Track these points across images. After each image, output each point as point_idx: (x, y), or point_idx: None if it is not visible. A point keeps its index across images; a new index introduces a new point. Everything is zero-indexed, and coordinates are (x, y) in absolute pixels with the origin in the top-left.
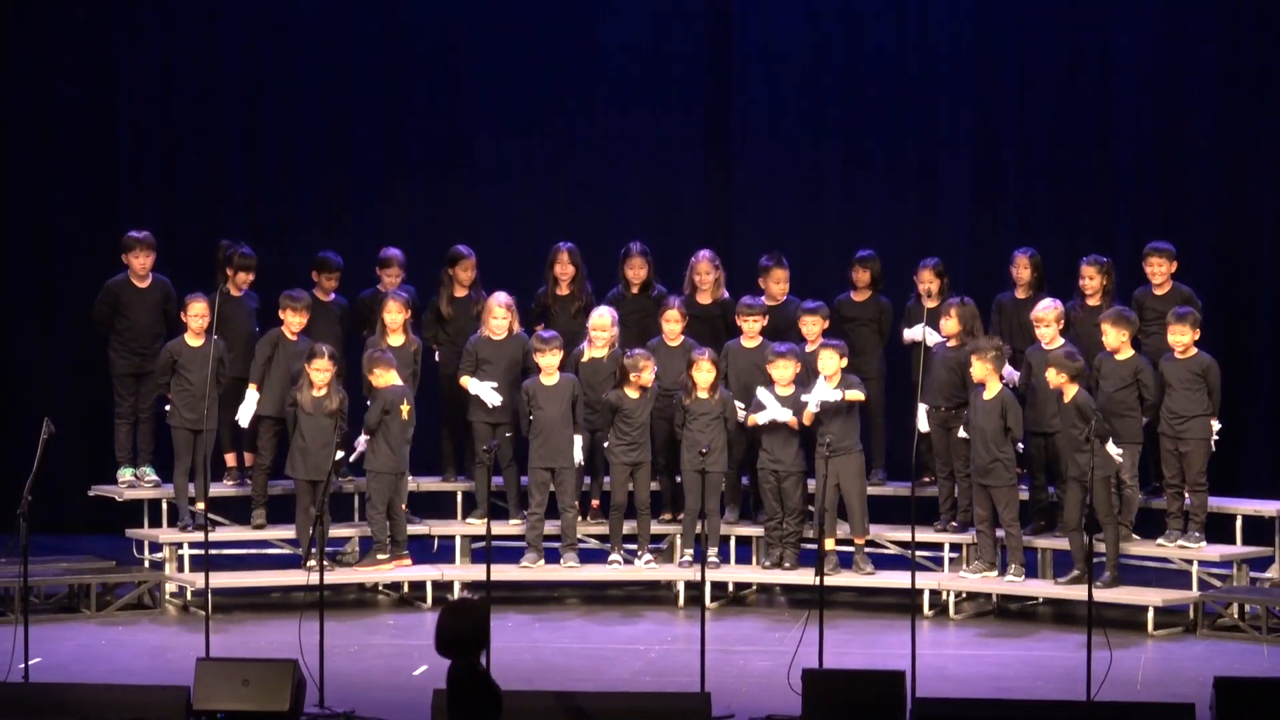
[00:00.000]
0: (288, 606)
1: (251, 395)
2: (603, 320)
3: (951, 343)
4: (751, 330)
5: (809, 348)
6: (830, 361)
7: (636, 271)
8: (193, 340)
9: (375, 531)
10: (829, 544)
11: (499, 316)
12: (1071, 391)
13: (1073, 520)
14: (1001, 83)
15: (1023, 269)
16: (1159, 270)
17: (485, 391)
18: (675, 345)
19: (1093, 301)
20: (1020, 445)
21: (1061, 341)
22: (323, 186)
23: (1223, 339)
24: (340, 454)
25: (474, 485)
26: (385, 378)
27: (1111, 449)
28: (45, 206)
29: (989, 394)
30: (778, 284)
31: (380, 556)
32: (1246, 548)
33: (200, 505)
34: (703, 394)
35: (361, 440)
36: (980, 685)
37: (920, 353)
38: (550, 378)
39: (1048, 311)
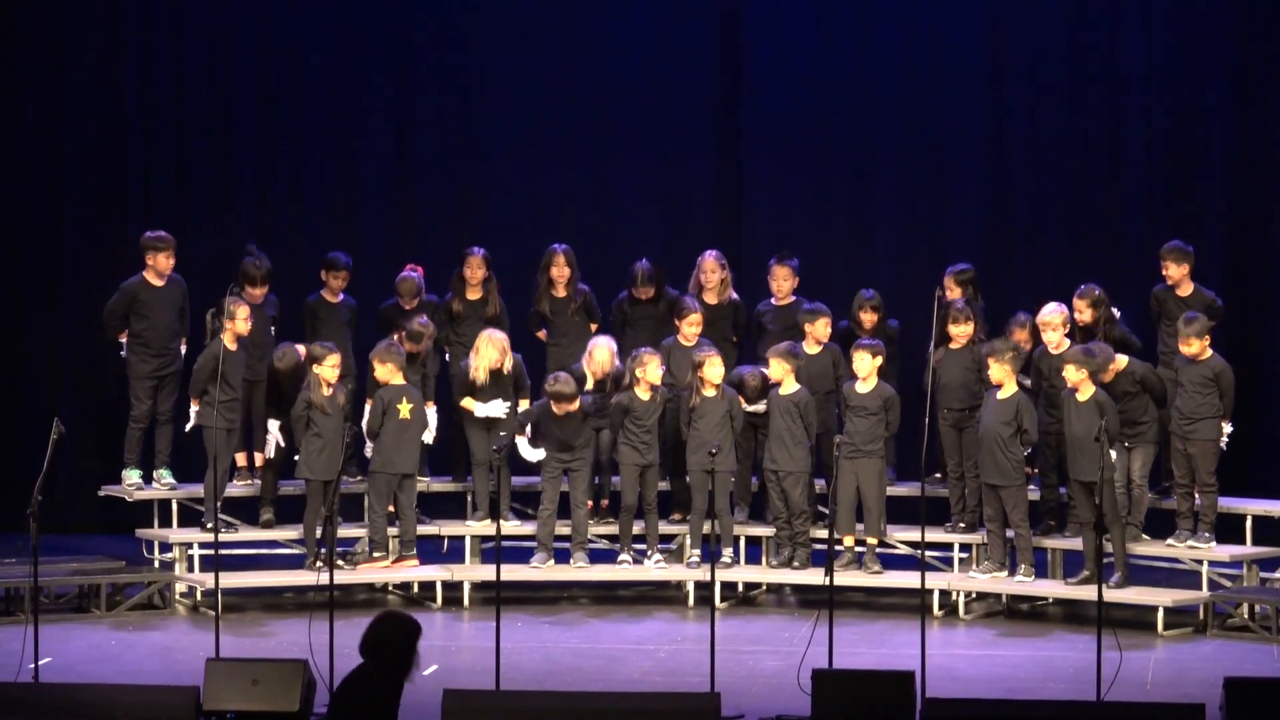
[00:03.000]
0: (298, 606)
1: (274, 426)
2: (602, 355)
3: (957, 345)
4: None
5: (808, 347)
6: (864, 363)
7: (644, 290)
8: (232, 345)
9: (371, 530)
10: (847, 540)
11: (492, 358)
12: (1089, 390)
13: (1086, 519)
14: (1011, 88)
15: (1081, 312)
16: (1174, 274)
17: (493, 409)
18: (690, 346)
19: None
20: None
21: (1068, 343)
22: (333, 189)
23: (1234, 340)
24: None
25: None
26: (383, 372)
27: (1111, 453)
28: (56, 209)
29: (1003, 395)
30: (775, 281)
31: (376, 555)
32: (1257, 548)
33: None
34: (709, 393)
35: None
36: (990, 685)
37: (931, 354)
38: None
39: (1054, 316)
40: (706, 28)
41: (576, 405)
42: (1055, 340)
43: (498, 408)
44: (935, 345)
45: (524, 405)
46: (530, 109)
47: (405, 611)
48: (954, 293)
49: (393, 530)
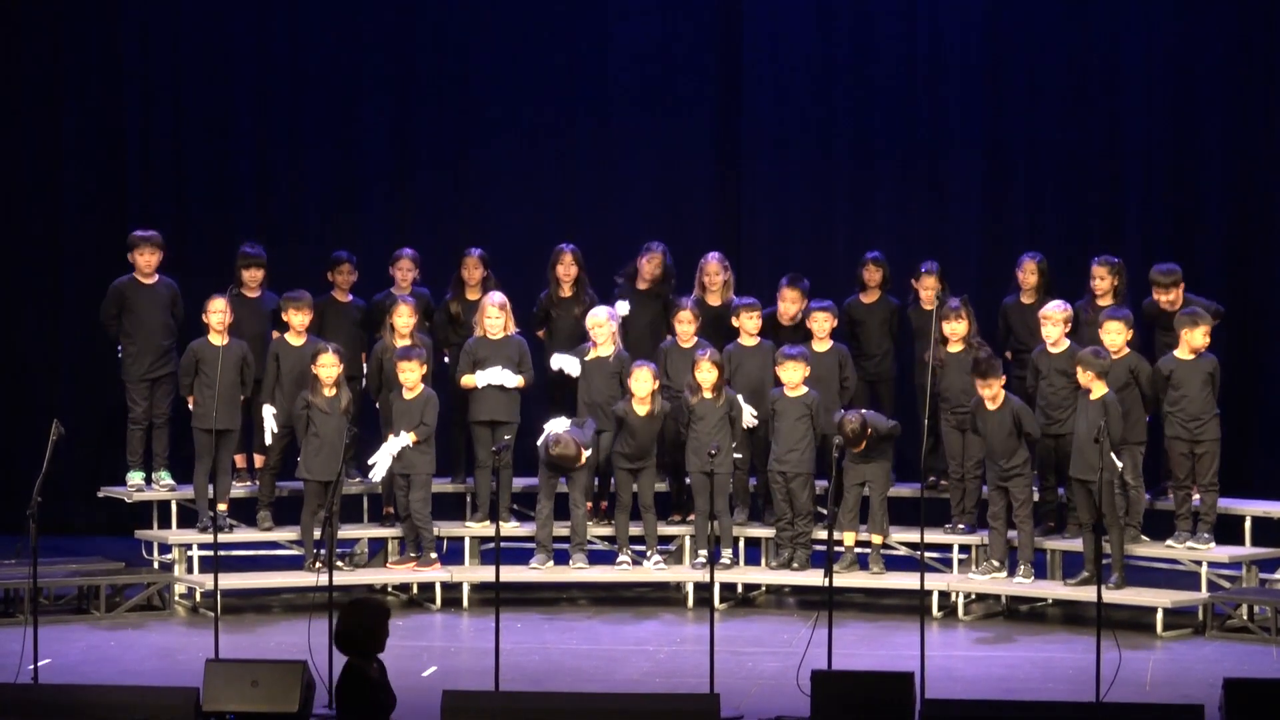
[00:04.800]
0: (297, 607)
1: (268, 411)
2: (598, 318)
3: (956, 347)
4: (751, 329)
5: (816, 345)
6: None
7: (653, 268)
8: (215, 339)
9: (428, 534)
10: (849, 539)
11: (493, 316)
12: (1100, 390)
13: (1085, 520)
14: (1010, 87)
15: (1029, 274)
16: (1162, 297)
17: (495, 376)
18: (688, 347)
19: (1103, 302)
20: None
21: (1067, 343)
22: (332, 186)
23: (1233, 341)
24: (381, 461)
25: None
26: (420, 373)
27: (1113, 456)
28: (55, 208)
29: (996, 406)
30: (784, 303)
31: (433, 556)
32: (1256, 549)
33: (222, 506)
34: (707, 394)
35: (406, 440)
36: (989, 686)
37: (930, 354)
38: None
39: (1056, 311)
40: (706, 28)
41: (582, 462)
42: (1054, 336)
43: (498, 375)
44: (933, 346)
45: (516, 380)
46: (530, 109)
47: (368, 596)
48: (929, 289)
49: (394, 531)
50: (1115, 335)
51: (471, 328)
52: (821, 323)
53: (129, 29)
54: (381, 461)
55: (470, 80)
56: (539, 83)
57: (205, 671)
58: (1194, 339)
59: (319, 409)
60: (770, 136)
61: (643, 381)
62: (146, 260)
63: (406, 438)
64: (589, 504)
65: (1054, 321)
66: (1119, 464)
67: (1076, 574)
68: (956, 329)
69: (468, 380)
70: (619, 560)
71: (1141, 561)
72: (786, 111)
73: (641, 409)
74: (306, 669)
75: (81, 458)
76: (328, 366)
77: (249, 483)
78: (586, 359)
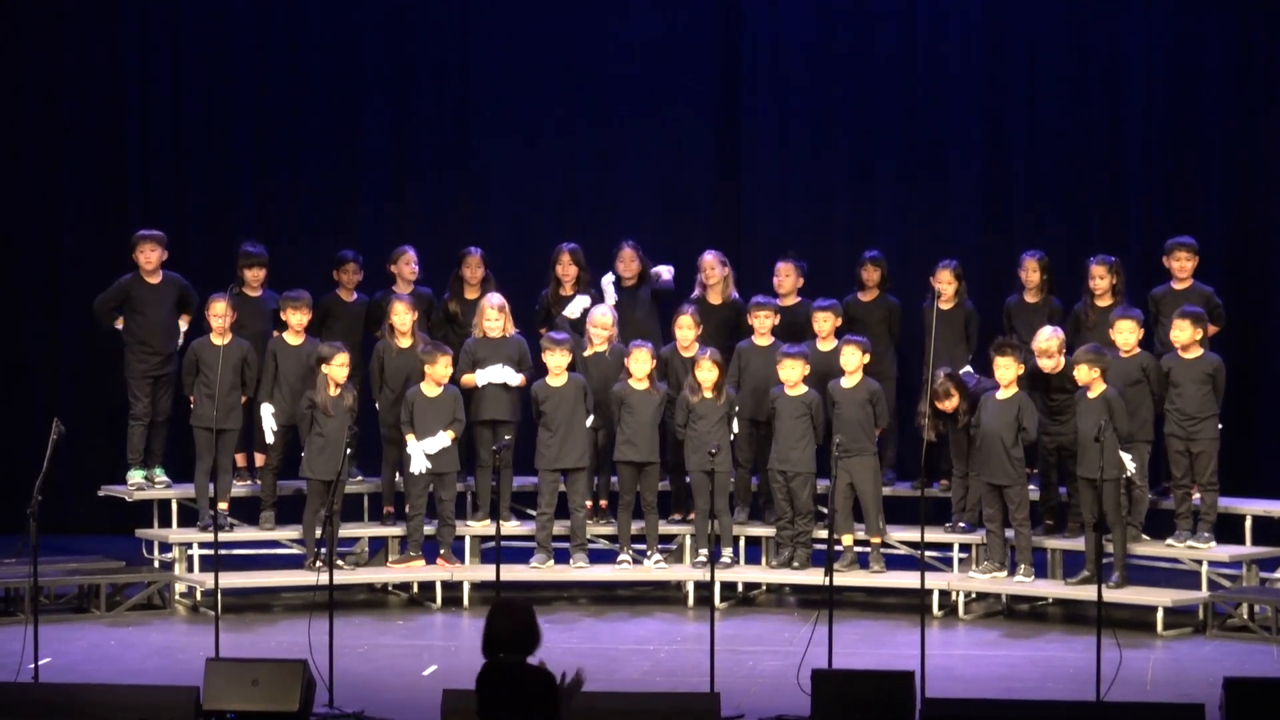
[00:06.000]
0: (297, 607)
1: (266, 410)
2: (604, 319)
3: (947, 404)
4: (763, 328)
5: (820, 344)
6: (853, 358)
7: (627, 265)
8: (216, 340)
9: (448, 533)
10: (847, 540)
11: (492, 318)
12: (1100, 388)
13: (1088, 519)
14: (1011, 85)
15: (1031, 272)
16: (1186, 265)
17: (495, 374)
18: (690, 355)
19: (1102, 302)
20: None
21: (1064, 360)
22: (332, 187)
23: (1233, 339)
24: (418, 458)
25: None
26: (450, 368)
27: (1123, 455)
28: (55, 208)
29: (1004, 395)
30: (778, 278)
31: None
32: (1256, 548)
33: (223, 505)
34: (707, 394)
35: (446, 439)
36: (989, 686)
37: (928, 353)
38: (558, 379)
39: (1050, 342)
40: (706, 27)
41: (567, 355)
42: (1050, 366)
43: (499, 373)
44: (928, 420)
45: (517, 379)
46: (530, 108)
47: (508, 597)
48: (950, 286)
49: (398, 530)
50: (1128, 334)
51: (470, 328)
52: (823, 322)
53: (129, 29)
54: (418, 458)
55: (470, 80)
56: (539, 82)
57: (205, 670)
58: (1180, 336)
59: (323, 409)
60: (770, 136)
61: (641, 362)
62: (148, 258)
63: (445, 436)
64: (589, 504)
65: (1048, 354)
66: (1129, 461)
67: (1076, 573)
68: (948, 405)
69: (468, 379)
70: (619, 559)
71: (1142, 560)
72: (786, 111)
73: (639, 385)
74: (307, 668)
75: (81, 457)
76: (340, 367)
77: (249, 482)
78: (586, 354)
